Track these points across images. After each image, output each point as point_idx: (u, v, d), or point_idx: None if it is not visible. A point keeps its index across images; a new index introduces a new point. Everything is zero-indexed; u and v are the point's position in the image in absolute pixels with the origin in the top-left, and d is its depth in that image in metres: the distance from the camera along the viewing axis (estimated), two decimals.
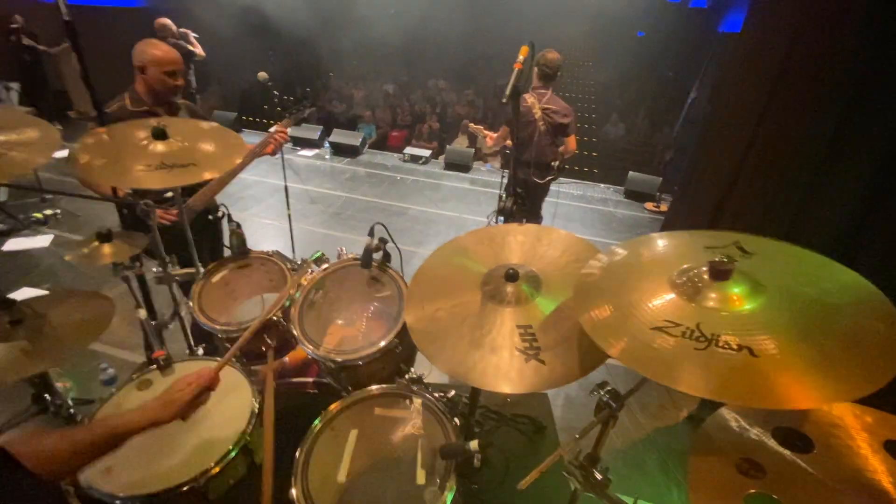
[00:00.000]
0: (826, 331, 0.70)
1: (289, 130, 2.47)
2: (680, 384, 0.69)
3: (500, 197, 2.70)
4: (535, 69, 3.24)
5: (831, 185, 2.29)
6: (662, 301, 0.85)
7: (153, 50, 2.00)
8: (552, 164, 3.44)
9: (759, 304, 0.78)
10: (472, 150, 7.12)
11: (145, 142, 1.52)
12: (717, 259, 0.82)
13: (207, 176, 1.52)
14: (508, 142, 3.59)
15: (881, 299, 0.73)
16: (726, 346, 0.72)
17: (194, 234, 1.90)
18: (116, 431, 0.92)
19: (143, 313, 1.80)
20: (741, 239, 0.91)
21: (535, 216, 3.77)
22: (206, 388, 1.08)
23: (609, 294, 0.92)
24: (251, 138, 2.28)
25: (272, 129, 2.35)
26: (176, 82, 2.04)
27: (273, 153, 2.34)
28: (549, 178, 3.49)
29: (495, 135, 3.61)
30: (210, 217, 2.34)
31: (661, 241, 1.04)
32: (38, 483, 0.72)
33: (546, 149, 3.36)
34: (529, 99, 3.26)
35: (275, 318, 1.64)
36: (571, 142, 3.43)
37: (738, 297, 0.80)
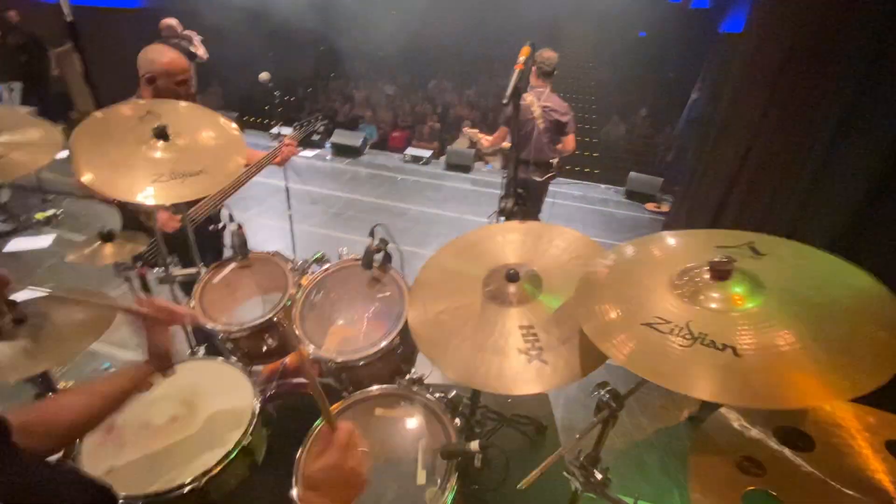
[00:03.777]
0: (817, 336, 0.71)
1: (290, 132, 2.47)
2: (664, 381, 0.71)
3: (501, 197, 2.70)
4: (533, 68, 3.24)
5: (833, 185, 2.28)
6: (659, 299, 0.85)
7: (161, 59, 1.88)
8: (551, 161, 3.46)
9: (756, 306, 0.78)
10: (473, 150, 7.12)
11: (145, 141, 1.52)
12: (717, 259, 0.82)
13: (218, 184, 1.51)
14: (505, 144, 3.59)
15: (890, 302, 0.72)
16: (711, 345, 0.73)
17: (195, 241, 1.90)
18: (134, 380, 0.98)
19: None
20: (755, 239, 0.90)
21: (534, 217, 3.76)
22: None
23: (610, 294, 0.92)
24: (252, 139, 2.28)
25: (282, 136, 2.33)
26: (188, 90, 1.95)
27: (281, 164, 2.32)
28: (549, 175, 3.50)
29: (491, 137, 3.62)
30: (211, 228, 2.28)
31: (672, 240, 1.03)
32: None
33: (545, 147, 3.37)
34: (528, 97, 3.26)
35: (276, 318, 1.64)
36: (570, 140, 3.44)
37: (736, 298, 0.80)
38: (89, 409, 0.89)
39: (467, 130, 3.96)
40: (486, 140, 3.64)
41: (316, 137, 2.58)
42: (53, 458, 1.19)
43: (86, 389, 0.92)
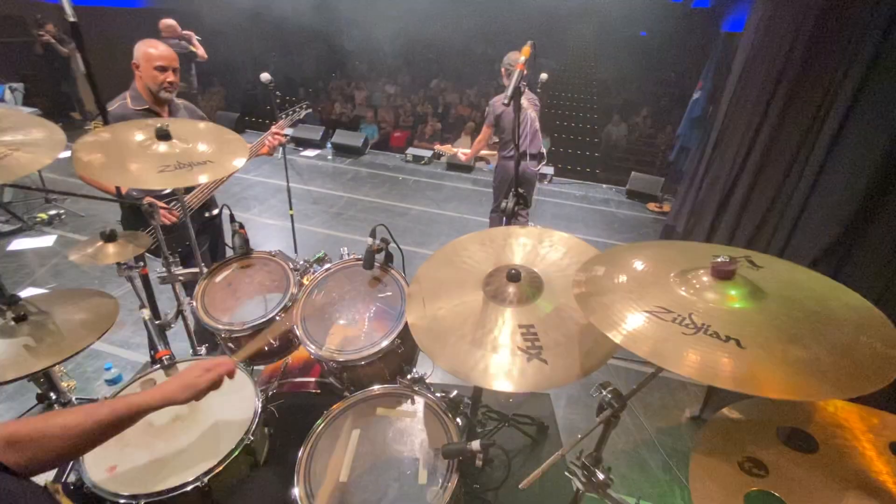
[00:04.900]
0: (819, 339, 0.71)
1: (290, 131, 2.49)
2: (666, 363, 0.72)
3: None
4: (503, 70, 3.38)
5: (834, 184, 2.28)
6: (660, 292, 0.86)
7: (145, 47, 2.06)
8: (542, 150, 3.60)
9: (755, 306, 0.79)
10: None
11: (148, 141, 1.53)
12: (720, 259, 0.82)
13: (222, 172, 1.54)
14: (486, 152, 3.69)
15: (885, 323, 0.74)
16: (714, 335, 0.73)
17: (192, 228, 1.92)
18: (137, 409, 0.94)
19: (146, 313, 1.81)
20: (752, 255, 0.92)
21: (528, 207, 3.83)
22: (224, 375, 1.10)
23: (609, 285, 0.92)
24: (253, 139, 2.29)
25: (272, 130, 2.36)
26: (166, 77, 2.06)
27: (269, 154, 2.35)
28: (542, 164, 3.62)
29: (468, 151, 3.77)
30: (207, 215, 2.35)
31: (669, 249, 1.04)
32: (18, 484, 0.72)
33: (537, 135, 3.53)
34: None
35: (278, 318, 1.64)
36: None
37: (736, 298, 0.80)
38: (83, 431, 0.86)
39: (440, 147, 4.06)
40: (462, 154, 3.77)
41: (300, 121, 2.64)
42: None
43: (83, 410, 0.88)
